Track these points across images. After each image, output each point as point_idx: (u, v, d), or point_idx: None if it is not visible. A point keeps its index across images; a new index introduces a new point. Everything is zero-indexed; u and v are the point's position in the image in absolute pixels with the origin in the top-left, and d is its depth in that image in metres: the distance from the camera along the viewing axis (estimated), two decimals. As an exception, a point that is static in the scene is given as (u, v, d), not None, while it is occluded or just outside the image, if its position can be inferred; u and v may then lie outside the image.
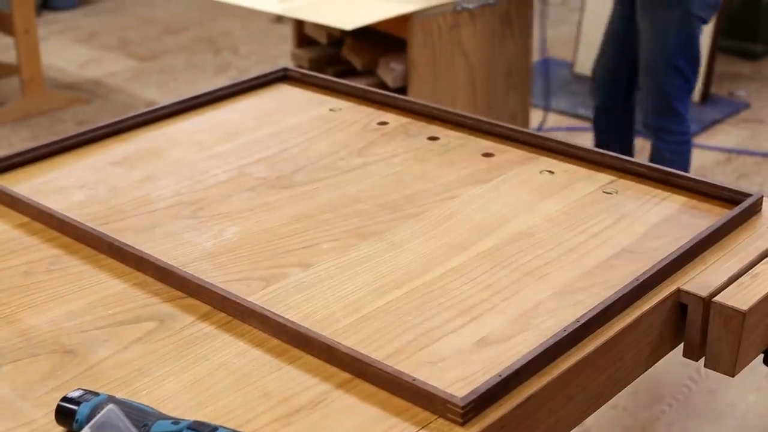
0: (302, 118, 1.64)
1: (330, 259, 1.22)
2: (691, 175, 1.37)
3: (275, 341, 1.06)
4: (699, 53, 2.96)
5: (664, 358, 1.17)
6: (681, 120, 3.02)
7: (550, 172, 1.43)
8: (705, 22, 2.94)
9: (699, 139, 3.94)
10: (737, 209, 1.27)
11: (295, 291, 1.15)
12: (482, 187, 1.40)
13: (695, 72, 2.99)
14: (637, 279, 1.11)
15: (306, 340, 1.04)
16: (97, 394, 0.94)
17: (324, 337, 1.04)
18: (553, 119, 4.20)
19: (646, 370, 1.14)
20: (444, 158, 1.49)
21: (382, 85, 3.05)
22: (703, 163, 3.74)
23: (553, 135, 1.57)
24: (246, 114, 1.67)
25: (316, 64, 3.25)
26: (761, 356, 1.19)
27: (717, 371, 1.14)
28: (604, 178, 1.41)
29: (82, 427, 0.89)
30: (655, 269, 1.13)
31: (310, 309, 1.12)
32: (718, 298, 1.11)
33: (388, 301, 1.13)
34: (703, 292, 1.12)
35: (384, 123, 1.62)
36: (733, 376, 1.13)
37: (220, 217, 1.33)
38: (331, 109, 1.68)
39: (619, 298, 1.08)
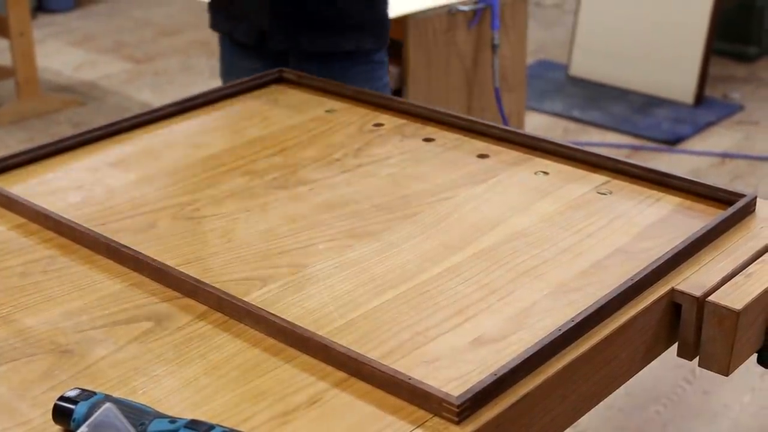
0: (298, 120, 1.65)
1: (326, 259, 1.22)
2: (686, 175, 1.37)
3: (271, 341, 1.07)
4: None
5: (659, 358, 1.17)
6: None
7: (545, 172, 1.44)
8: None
9: (693, 142, 3.95)
10: (731, 210, 1.27)
11: (291, 291, 1.16)
12: (477, 188, 1.40)
13: None
14: (631, 279, 1.12)
15: (302, 340, 1.04)
16: (94, 393, 0.94)
17: (320, 336, 1.04)
18: (548, 121, 4.20)
19: (640, 370, 1.14)
20: (439, 159, 1.49)
21: (378, 87, 3.05)
22: (697, 165, 3.75)
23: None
24: (242, 115, 1.68)
25: (312, 66, 3.25)
26: (755, 356, 1.20)
27: (711, 371, 1.14)
28: (598, 178, 1.41)
29: (79, 426, 0.89)
30: (650, 269, 1.14)
31: (306, 309, 1.12)
32: (712, 298, 1.11)
33: (383, 301, 1.13)
34: (697, 292, 1.12)
35: (379, 124, 1.62)
36: (727, 376, 1.13)
37: (216, 218, 1.33)
38: (327, 111, 1.68)
39: (614, 297, 1.09)
